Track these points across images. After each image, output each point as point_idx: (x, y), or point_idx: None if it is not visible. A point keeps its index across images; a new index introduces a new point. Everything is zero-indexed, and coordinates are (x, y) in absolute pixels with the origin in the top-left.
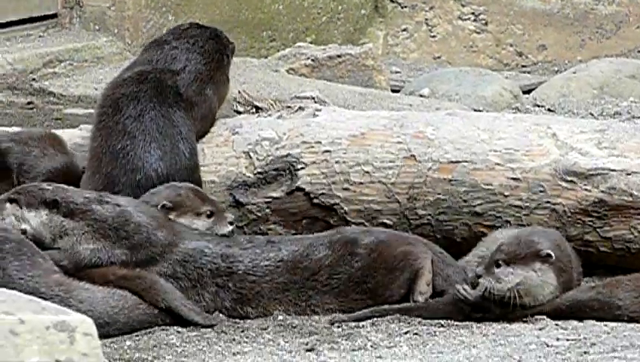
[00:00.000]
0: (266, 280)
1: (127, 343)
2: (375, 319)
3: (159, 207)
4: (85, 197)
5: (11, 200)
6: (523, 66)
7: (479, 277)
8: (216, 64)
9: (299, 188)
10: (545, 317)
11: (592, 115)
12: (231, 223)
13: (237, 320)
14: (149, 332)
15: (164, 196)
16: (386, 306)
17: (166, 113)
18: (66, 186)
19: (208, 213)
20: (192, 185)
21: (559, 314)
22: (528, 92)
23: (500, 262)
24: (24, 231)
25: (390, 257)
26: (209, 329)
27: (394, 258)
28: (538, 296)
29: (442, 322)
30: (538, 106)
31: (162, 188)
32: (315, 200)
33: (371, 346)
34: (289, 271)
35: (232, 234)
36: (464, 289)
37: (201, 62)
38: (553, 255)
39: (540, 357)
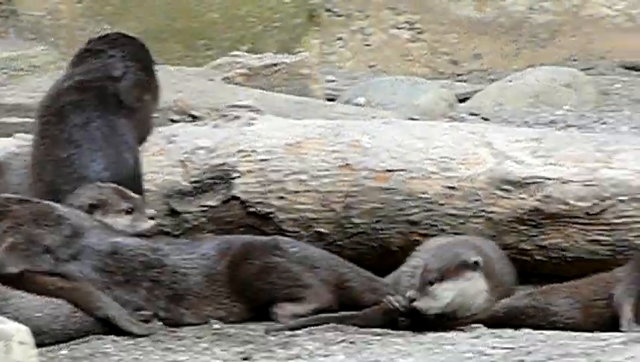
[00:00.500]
0: (194, 273)
1: (63, 352)
2: (311, 327)
3: (84, 206)
4: (5, 199)
5: None
6: (458, 75)
7: (412, 301)
8: (151, 71)
9: (234, 197)
10: (481, 325)
11: (527, 123)
12: (152, 218)
13: (173, 329)
14: (85, 341)
15: (88, 196)
16: (323, 315)
17: (111, 122)
18: None
19: (128, 209)
20: (114, 185)
21: (496, 321)
22: (463, 101)
23: (433, 281)
24: None
25: (300, 273)
26: (145, 338)
27: (299, 276)
28: (473, 305)
29: (378, 330)
30: (473, 115)
31: (84, 189)
32: (251, 209)
33: (307, 355)
34: (215, 263)
35: (154, 229)
36: (396, 300)
37: (138, 69)
38: (480, 261)
39: None
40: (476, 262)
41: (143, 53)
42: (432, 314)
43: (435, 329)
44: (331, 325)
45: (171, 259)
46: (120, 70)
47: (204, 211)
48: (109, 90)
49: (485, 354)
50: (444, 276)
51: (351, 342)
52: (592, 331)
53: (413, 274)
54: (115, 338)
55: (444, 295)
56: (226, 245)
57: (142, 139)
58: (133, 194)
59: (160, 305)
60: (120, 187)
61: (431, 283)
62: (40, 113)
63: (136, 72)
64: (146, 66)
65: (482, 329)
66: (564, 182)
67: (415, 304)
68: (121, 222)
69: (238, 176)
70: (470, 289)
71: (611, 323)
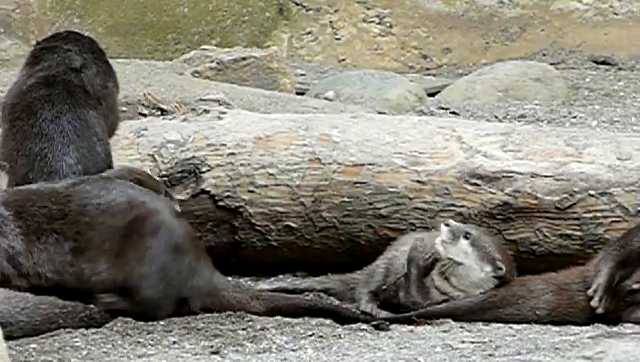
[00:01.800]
0: (98, 222)
1: (32, 346)
2: (281, 321)
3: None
4: None
5: None
6: (427, 69)
7: (447, 225)
8: (106, 60)
9: (204, 191)
10: (449, 320)
11: (497, 117)
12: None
13: (142, 323)
14: (54, 335)
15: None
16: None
17: (81, 114)
18: None
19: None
20: (142, 170)
21: (472, 311)
22: (433, 95)
23: (469, 237)
24: None
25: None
26: (114, 332)
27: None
28: (461, 284)
29: (349, 324)
30: (443, 109)
31: (117, 170)
32: (220, 203)
33: (276, 349)
34: (122, 212)
35: None
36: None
37: (96, 58)
38: (504, 271)
39: (444, 359)
40: (500, 268)
41: (94, 45)
42: (440, 252)
43: (404, 324)
44: (301, 319)
45: (74, 205)
46: (79, 61)
47: None
48: (75, 82)
49: (454, 349)
50: (477, 247)
51: (320, 336)
52: (565, 319)
53: (388, 268)
54: (84, 331)
55: (462, 254)
56: (136, 193)
57: (111, 129)
58: (155, 179)
59: (68, 260)
60: (145, 171)
61: (467, 237)
62: (8, 111)
63: (95, 61)
64: (101, 56)
65: (451, 324)
66: (533, 177)
67: (444, 228)
68: None
69: (208, 170)
70: (475, 279)
71: (584, 308)
